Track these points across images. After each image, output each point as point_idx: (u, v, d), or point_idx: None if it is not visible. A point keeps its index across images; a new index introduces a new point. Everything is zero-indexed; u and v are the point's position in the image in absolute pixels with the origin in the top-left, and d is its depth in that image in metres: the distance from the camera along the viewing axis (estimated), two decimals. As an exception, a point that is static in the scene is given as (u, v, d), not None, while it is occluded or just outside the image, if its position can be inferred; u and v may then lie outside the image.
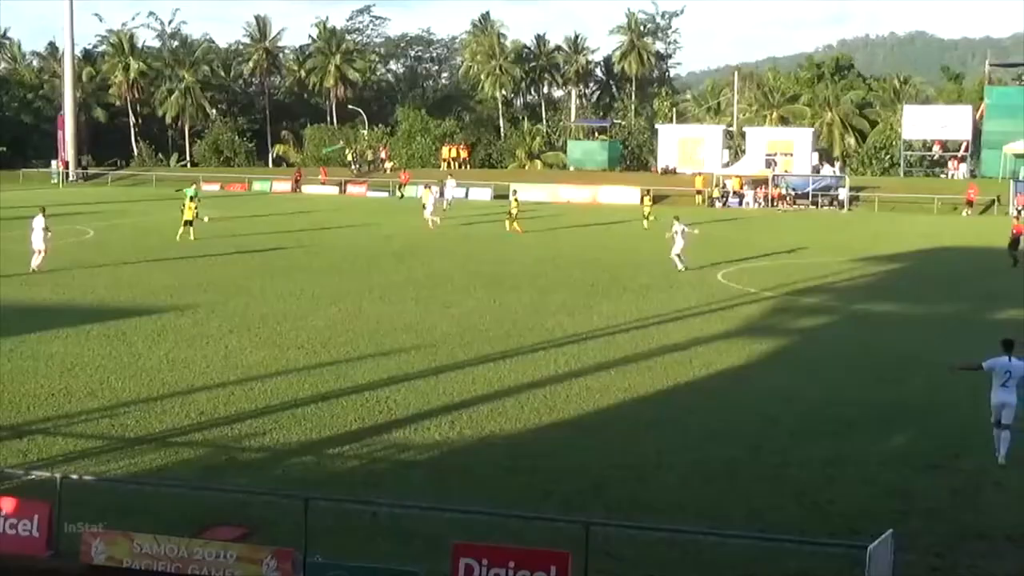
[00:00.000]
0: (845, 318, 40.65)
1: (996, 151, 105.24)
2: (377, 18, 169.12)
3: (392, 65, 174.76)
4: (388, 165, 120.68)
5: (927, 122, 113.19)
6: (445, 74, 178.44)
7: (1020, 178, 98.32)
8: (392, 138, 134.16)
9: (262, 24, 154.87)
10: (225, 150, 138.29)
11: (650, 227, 70.21)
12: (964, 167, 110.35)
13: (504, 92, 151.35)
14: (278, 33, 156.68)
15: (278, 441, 23.40)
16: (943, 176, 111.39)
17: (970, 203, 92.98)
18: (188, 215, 60.54)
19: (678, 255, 51.01)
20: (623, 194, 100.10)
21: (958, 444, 23.70)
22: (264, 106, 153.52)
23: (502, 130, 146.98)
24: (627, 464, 22.22)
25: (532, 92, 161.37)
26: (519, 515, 18.31)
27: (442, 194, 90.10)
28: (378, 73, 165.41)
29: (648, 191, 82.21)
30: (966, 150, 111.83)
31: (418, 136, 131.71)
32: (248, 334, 34.57)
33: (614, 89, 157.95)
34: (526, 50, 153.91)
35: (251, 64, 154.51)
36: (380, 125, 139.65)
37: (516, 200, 72.09)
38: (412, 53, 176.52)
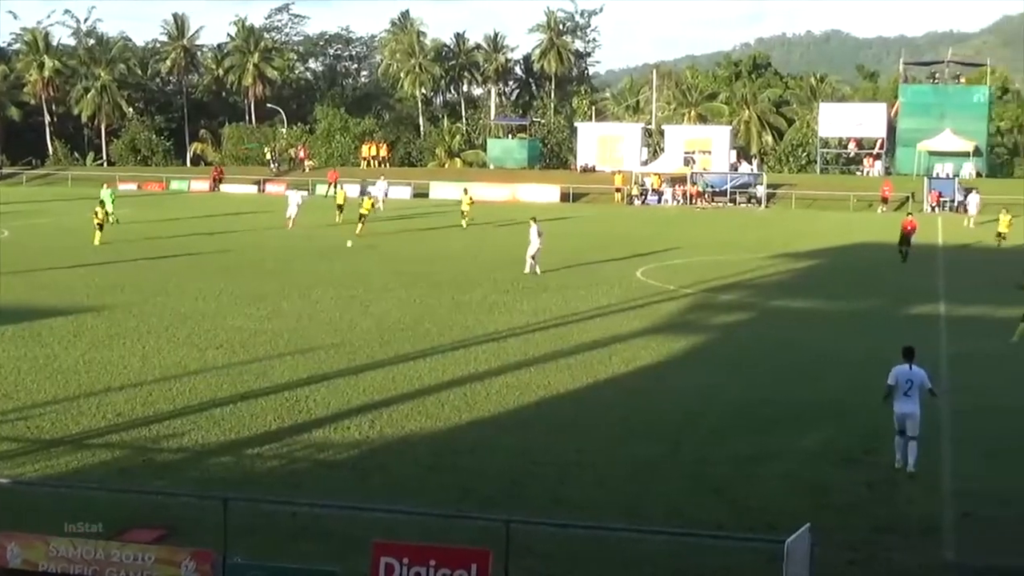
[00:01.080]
0: (763, 315, 40.99)
1: (910, 148, 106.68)
2: (296, 16, 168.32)
3: (311, 63, 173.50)
4: (308, 164, 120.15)
5: (843, 120, 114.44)
6: (365, 72, 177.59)
7: (934, 175, 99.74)
8: (311, 137, 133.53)
9: (180, 22, 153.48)
10: (142, 149, 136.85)
11: (468, 227, 70.63)
12: (879, 164, 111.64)
13: (424, 90, 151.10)
14: (196, 31, 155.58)
15: (196, 442, 23.23)
16: (859, 173, 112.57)
17: (885, 200, 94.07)
18: (99, 218, 59.53)
19: (532, 257, 49.27)
20: (541, 192, 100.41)
21: (874, 440, 23.94)
22: (182, 105, 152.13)
23: (422, 128, 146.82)
24: (548, 461, 22.29)
25: (452, 90, 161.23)
26: (440, 514, 18.33)
27: (363, 192, 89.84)
28: (297, 71, 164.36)
29: (466, 189, 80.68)
30: (881, 147, 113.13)
31: (337, 135, 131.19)
32: (166, 334, 34.28)
33: (533, 87, 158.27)
34: (446, 48, 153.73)
35: (169, 63, 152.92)
36: (299, 124, 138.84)
37: (370, 199, 71.89)
38: (331, 51, 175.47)
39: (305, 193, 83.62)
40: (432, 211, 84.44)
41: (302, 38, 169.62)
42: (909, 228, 57.08)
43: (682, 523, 18.80)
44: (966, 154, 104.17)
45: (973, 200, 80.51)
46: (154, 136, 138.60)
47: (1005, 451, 23.50)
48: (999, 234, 65.58)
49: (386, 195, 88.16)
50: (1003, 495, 20.68)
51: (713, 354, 33.71)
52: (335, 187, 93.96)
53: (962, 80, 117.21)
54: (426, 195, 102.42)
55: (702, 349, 34.27)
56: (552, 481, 21.20)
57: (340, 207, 74.59)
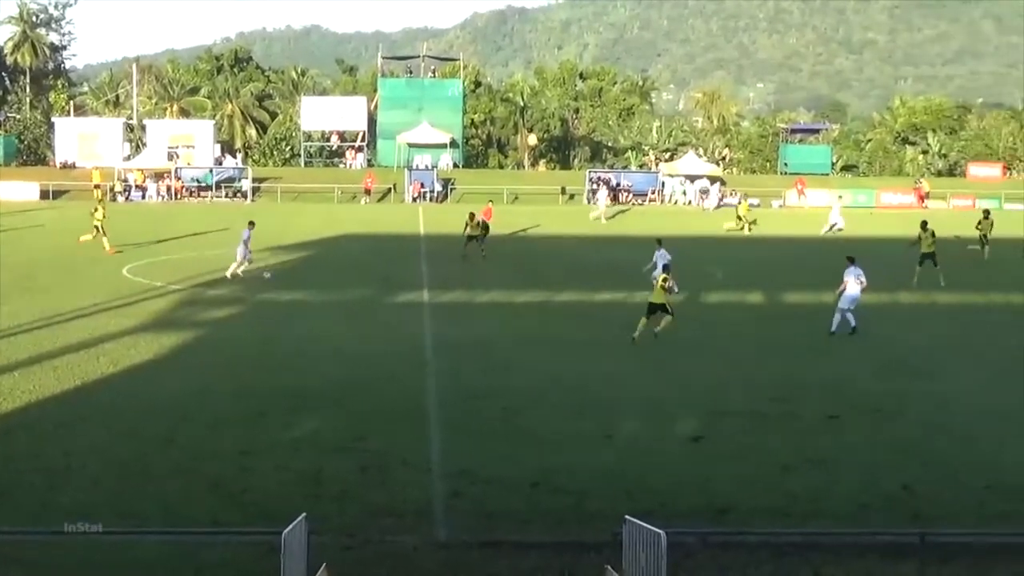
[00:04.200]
0: (252, 308, 41.07)
1: (391, 141, 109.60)
2: None
3: None
4: None
5: (325, 113, 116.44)
6: None
7: (414, 167, 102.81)
8: None
9: None
10: None
11: None
12: (362, 156, 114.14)
13: None
14: None
15: None
16: (342, 166, 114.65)
17: (368, 192, 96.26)
18: None
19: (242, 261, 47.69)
20: (20, 190, 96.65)
21: (364, 426, 24.62)
22: None
23: None
24: (35, 468, 21.60)
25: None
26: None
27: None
28: None
29: None
30: (363, 140, 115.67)
31: None
32: None
33: (7, 82, 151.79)
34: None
35: None
36: None
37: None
38: None
39: None
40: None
41: None
42: (489, 217, 60.78)
43: (178, 521, 18.72)
44: (444, 146, 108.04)
45: (602, 195, 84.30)
46: None
47: (487, 432, 24.63)
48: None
49: None
50: (486, 473, 21.71)
51: (203, 350, 33.54)
52: None
53: (437, 74, 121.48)
54: None
55: (192, 345, 34.04)
56: (40, 488, 20.58)
57: None
